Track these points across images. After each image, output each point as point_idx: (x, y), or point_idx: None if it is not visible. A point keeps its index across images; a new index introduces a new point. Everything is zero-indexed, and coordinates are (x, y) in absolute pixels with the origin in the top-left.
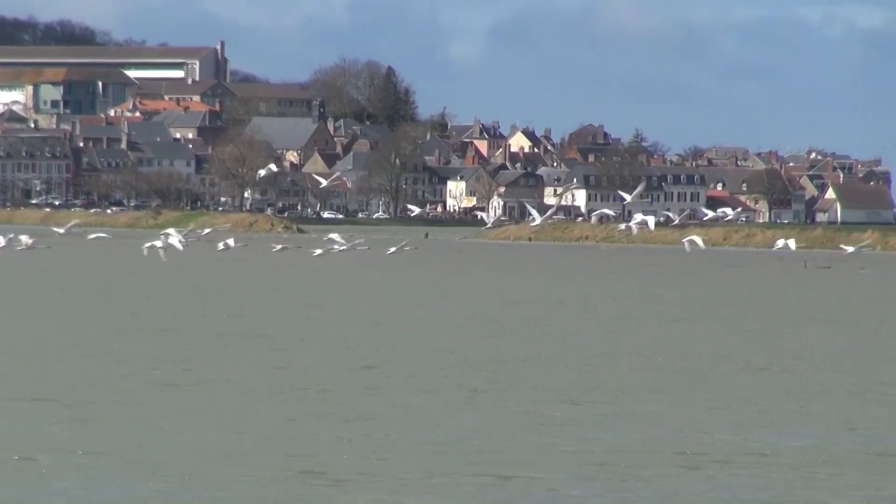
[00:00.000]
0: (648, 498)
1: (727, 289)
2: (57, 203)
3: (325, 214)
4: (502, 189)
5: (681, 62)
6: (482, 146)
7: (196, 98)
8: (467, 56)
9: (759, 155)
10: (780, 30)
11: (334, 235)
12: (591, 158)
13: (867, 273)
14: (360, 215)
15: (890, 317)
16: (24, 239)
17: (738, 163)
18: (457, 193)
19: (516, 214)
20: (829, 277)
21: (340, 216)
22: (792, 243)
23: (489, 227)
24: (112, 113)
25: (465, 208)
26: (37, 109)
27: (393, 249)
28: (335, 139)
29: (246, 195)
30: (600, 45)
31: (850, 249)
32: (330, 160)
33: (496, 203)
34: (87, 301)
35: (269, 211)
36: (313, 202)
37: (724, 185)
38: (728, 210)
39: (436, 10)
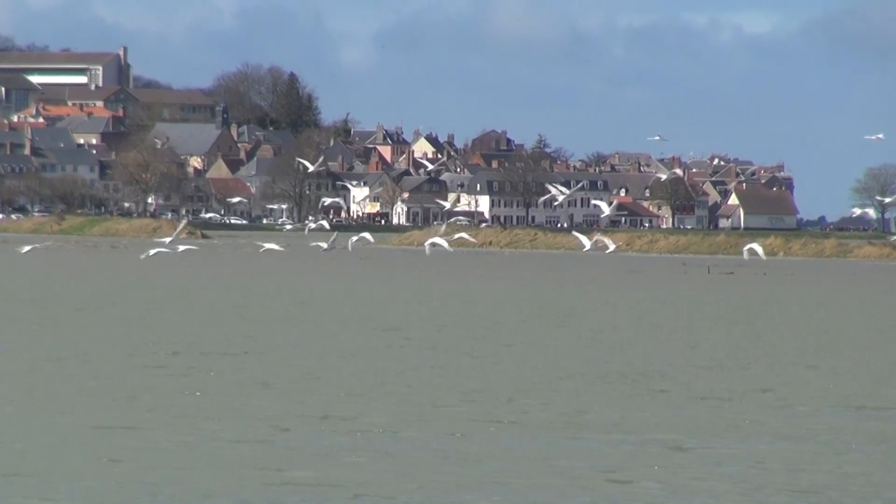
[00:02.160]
0: None
1: (626, 294)
2: None
3: (234, 220)
4: (406, 195)
5: (571, 68)
6: (386, 152)
7: (99, 104)
8: (357, 62)
9: (661, 161)
10: (668, 36)
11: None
12: (494, 164)
13: (767, 277)
14: (265, 221)
15: (766, 319)
16: None
17: (642, 168)
18: (360, 199)
19: (420, 220)
20: (731, 282)
21: (244, 221)
22: (759, 248)
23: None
24: (15, 118)
25: (369, 214)
26: None
27: (325, 246)
28: (238, 145)
29: (150, 200)
30: (491, 50)
31: (756, 249)
32: (233, 166)
33: (400, 209)
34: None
35: (169, 216)
36: (217, 207)
37: (627, 191)
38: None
39: (322, 16)
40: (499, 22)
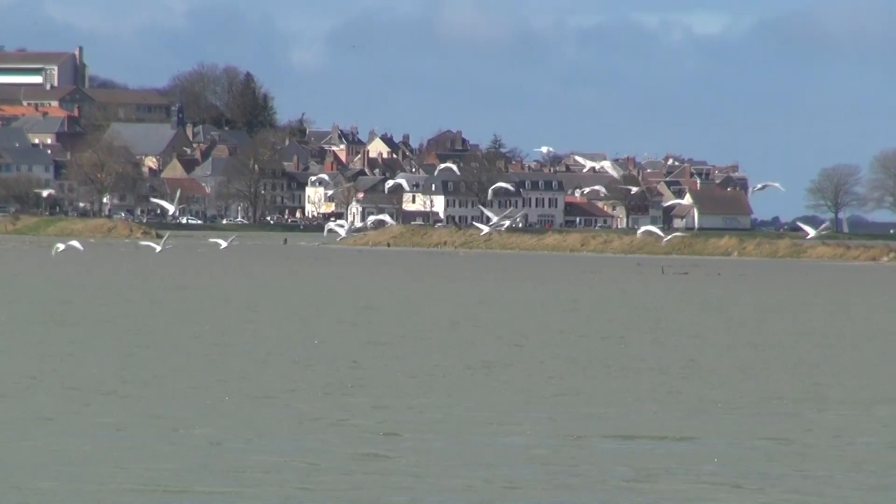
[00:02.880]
0: None
1: (581, 293)
2: None
3: (191, 220)
4: (361, 195)
5: (523, 68)
6: (341, 152)
7: (54, 104)
8: (308, 62)
9: (616, 161)
10: (619, 36)
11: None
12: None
13: (721, 277)
14: (224, 221)
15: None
16: None
17: (597, 169)
18: (316, 199)
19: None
20: (685, 282)
21: (199, 221)
22: (655, 229)
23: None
24: None
25: (324, 214)
26: None
27: (224, 244)
28: (194, 145)
29: (105, 200)
30: (442, 51)
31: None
32: (189, 166)
33: (355, 209)
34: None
35: (123, 215)
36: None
37: (581, 192)
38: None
39: (272, 17)
40: (449, 22)
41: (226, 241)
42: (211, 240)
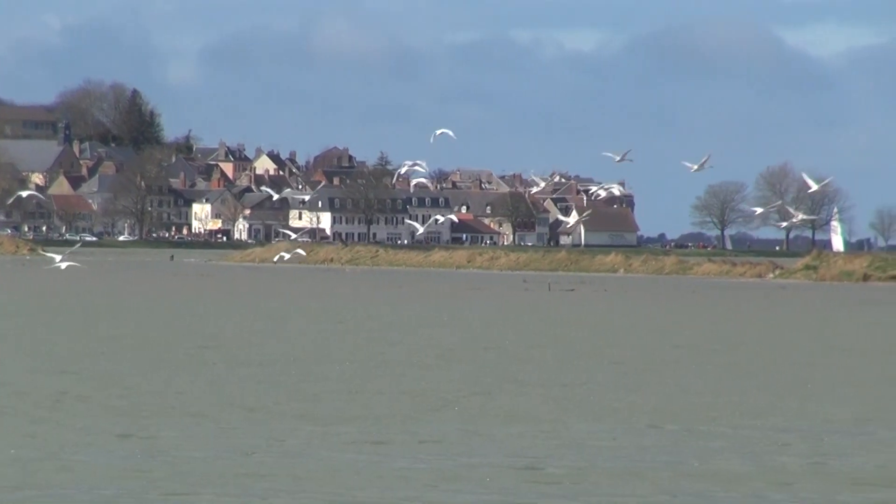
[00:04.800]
0: None
1: (458, 309)
2: None
3: (83, 237)
4: (248, 211)
5: (402, 85)
6: (228, 168)
7: None
8: (191, 78)
9: (503, 178)
10: (494, 52)
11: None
12: (336, 181)
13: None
14: (121, 238)
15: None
16: None
17: (483, 186)
18: (202, 216)
19: (261, 237)
20: (572, 299)
21: (92, 238)
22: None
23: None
24: None
25: (211, 231)
26: None
27: (59, 259)
28: (81, 161)
29: None
30: (321, 68)
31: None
32: (75, 183)
33: (241, 225)
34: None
35: (9, 232)
36: (58, 224)
37: (468, 208)
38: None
39: (149, 33)
40: (327, 40)
41: (66, 257)
42: (48, 254)
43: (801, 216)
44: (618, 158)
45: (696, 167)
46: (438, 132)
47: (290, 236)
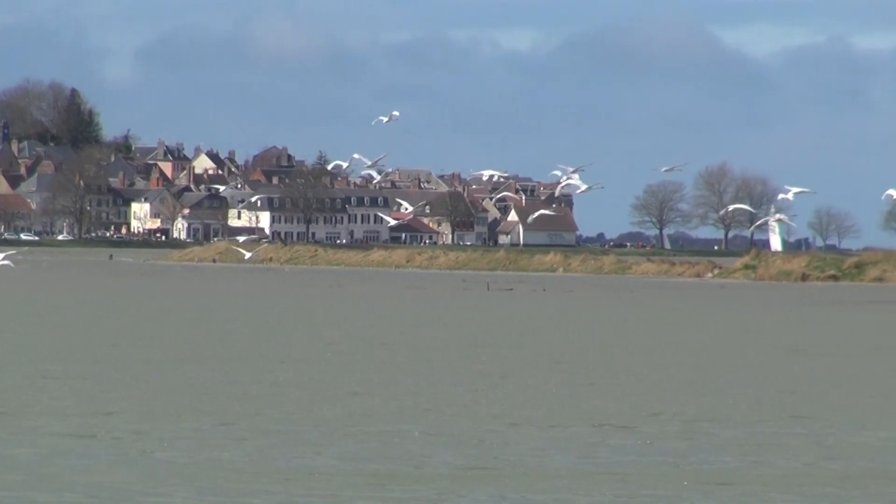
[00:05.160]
0: None
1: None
2: None
3: (23, 236)
4: (187, 211)
5: (338, 84)
6: (167, 168)
7: None
8: (128, 78)
9: (442, 177)
10: (431, 52)
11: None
12: (275, 180)
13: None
14: (61, 237)
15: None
16: None
17: (422, 185)
18: (141, 215)
19: (200, 236)
20: (510, 298)
21: (34, 237)
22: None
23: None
24: None
25: (150, 230)
26: None
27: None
28: (19, 161)
29: None
30: (258, 67)
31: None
32: (14, 182)
33: (180, 225)
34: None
35: None
36: None
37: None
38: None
39: (84, 32)
40: (263, 38)
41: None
42: None
43: (737, 205)
44: (571, 169)
45: (666, 168)
46: (393, 114)
47: (237, 239)
